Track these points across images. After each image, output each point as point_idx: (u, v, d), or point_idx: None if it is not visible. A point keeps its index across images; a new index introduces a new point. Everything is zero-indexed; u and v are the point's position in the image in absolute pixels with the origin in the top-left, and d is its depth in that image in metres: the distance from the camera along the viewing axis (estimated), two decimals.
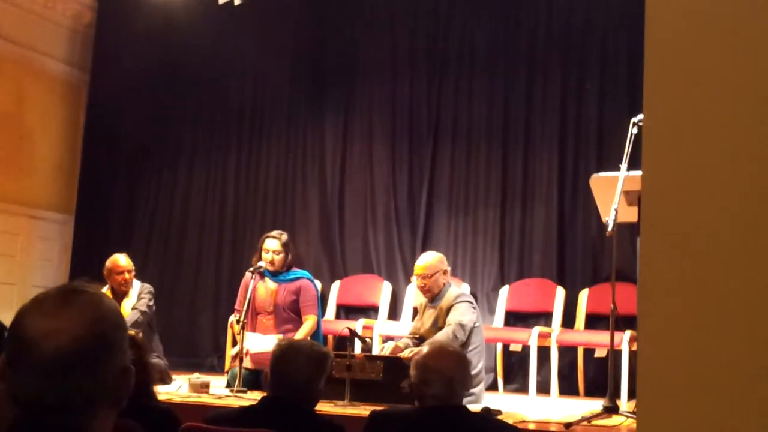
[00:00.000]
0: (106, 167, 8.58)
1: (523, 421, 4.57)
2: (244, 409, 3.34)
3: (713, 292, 1.50)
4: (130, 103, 8.62)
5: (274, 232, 6.23)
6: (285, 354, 3.28)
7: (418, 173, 7.75)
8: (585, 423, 4.54)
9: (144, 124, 8.60)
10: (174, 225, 8.44)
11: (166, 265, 8.28)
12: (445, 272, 5.78)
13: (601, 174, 5.24)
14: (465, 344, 5.47)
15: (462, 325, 5.49)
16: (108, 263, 6.50)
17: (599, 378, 6.58)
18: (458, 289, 5.92)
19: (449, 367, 3.09)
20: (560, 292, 7.03)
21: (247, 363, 5.82)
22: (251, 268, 6.05)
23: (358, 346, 6.05)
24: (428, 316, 5.76)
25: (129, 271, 6.50)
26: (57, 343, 1.46)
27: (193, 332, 8.05)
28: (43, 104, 8.48)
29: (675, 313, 1.52)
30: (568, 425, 4.40)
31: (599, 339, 6.41)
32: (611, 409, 4.68)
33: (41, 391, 1.47)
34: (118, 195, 8.55)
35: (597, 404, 4.99)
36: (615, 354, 5.28)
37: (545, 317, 7.04)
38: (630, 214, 4.78)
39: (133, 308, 6.38)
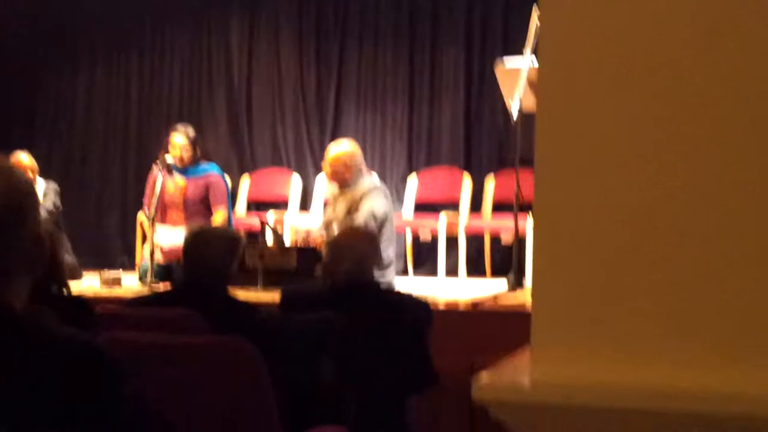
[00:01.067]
0: (3, 70, 8.30)
1: (433, 303, 4.71)
2: (159, 294, 3.39)
3: (606, 173, 1.55)
4: (24, 8, 8.28)
5: (179, 126, 6.15)
6: (197, 238, 3.31)
7: (325, 70, 7.76)
8: (491, 301, 4.72)
9: (39, 28, 8.30)
10: (77, 125, 8.28)
11: (71, 165, 8.15)
12: (347, 166, 5.69)
13: (506, 64, 5.32)
14: (377, 233, 5.54)
15: (374, 215, 5.53)
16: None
17: (506, 263, 6.78)
18: (371, 178, 5.94)
19: (360, 245, 3.17)
20: (467, 180, 7.18)
21: (158, 256, 5.81)
22: (158, 161, 5.97)
23: (269, 238, 6.09)
24: (340, 205, 5.79)
25: (32, 170, 6.39)
26: None
27: (102, 232, 8.00)
28: None
29: (568, 196, 1.58)
30: (475, 305, 4.57)
31: (506, 224, 6.58)
32: (516, 286, 4.87)
33: None
34: (18, 99, 8.31)
35: (503, 283, 5.18)
36: (520, 241, 5.46)
37: (453, 205, 7.19)
38: (535, 104, 4.86)
39: None
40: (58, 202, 6.47)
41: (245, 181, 7.70)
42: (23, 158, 6.41)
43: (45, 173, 6.81)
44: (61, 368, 1.47)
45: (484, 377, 1.65)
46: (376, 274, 3.62)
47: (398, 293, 3.63)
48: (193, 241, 3.30)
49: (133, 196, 7.66)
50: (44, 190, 6.45)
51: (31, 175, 6.38)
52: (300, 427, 2.87)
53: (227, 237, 3.33)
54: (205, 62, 8.04)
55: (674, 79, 1.52)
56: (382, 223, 5.56)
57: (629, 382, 1.51)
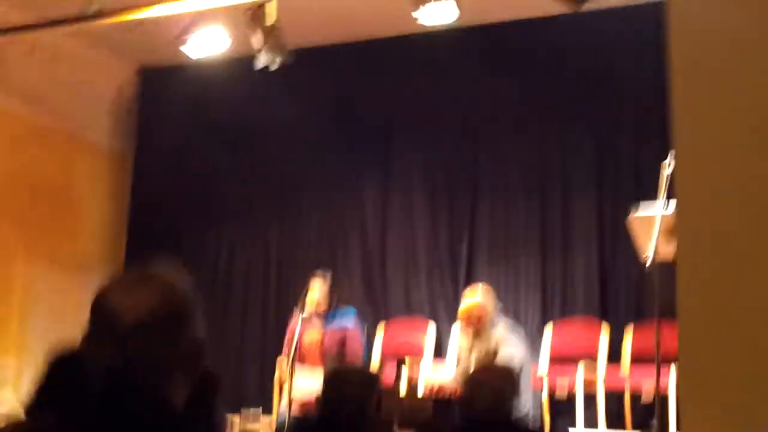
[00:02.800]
0: (152, 228, 8.78)
1: None
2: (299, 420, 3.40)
3: (752, 324, 1.54)
4: (174, 166, 8.85)
5: (318, 272, 6.31)
6: (334, 379, 3.33)
7: (458, 225, 7.89)
8: None
9: (187, 185, 8.83)
10: (219, 280, 8.60)
11: (212, 319, 8.39)
12: (489, 308, 5.73)
13: (639, 214, 5.28)
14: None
15: (514, 358, 5.44)
16: None
17: (647, 417, 6.52)
18: (506, 323, 5.87)
19: (498, 381, 3.14)
20: (604, 331, 7.02)
21: (295, 409, 5.87)
22: (298, 310, 6.08)
23: (403, 387, 6.06)
24: (476, 353, 5.75)
25: None
26: (136, 316, 1.60)
27: (241, 382, 8.13)
28: (90, 173, 8.75)
29: (713, 344, 1.56)
30: None
31: (646, 380, 6.34)
32: None
33: (122, 358, 1.59)
34: (164, 251, 8.70)
35: None
36: (662, 398, 5.25)
37: (590, 357, 7.00)
38: (670, 252, 4.79)
39: None
40: None
41: (380, 332, 7.74)
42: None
43: None
44: None
45: None
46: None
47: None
48: (330, 380, 3.33)
49: (272, 348, 7.80)
50: None
51: None
52: None
53: (364, 378, 3.35)
54: (341, 219, 8.31)
55: None
56: (520, 369, 5.50)
57: None
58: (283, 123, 8.55)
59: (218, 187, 8.75)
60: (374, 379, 3.42)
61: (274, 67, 7.66)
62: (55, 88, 8.33)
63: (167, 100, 8.81)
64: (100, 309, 1.63)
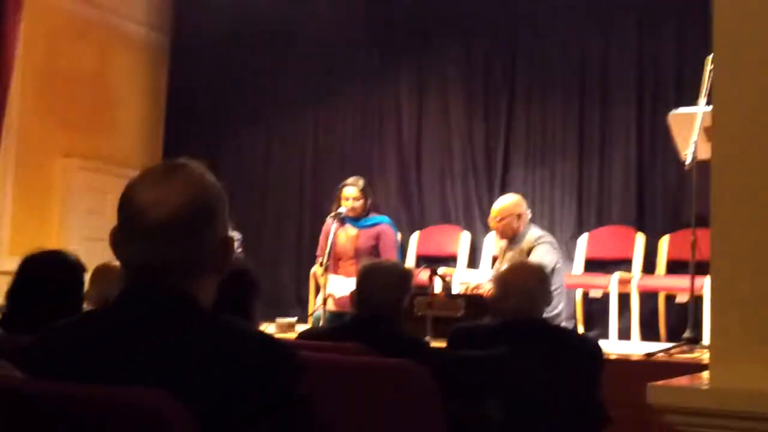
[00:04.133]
0: (188, 126, 8.80)
1: (605, 353, 4.60)
2: (332, 328, 3.47)
3: None
4: (210, 63, 8.81)
5: (350, 179, 6.34)
6: (369, 274, 3.38)
7: (494, 126, 7.82)
8: (664, 354, 4.56)
9: (224, 83, 8.80)
10: (255, 181, 8.63)
11: (249, 221, 8.45)
12: (519, 216, 5.78)
13: (680, 110, 5.21)
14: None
15: (544, 266, 5.49)
16: None
17: (681, 324, 6.51)
18: (539, 230, 5.92)
19: (528, 281, 3.16)
20: (640, 239, 7.01)
21: (331, 306, 5.95)
22: (332, 214, 6.17)
23: (438, 288, 6.12)
24: (509, 259, 5.79)
25: None
26: (163, 211, 1.58)
27: (277, 285, 8.22)
28: (127, 67, 8.73)
29: (745, 249, 1.54)
30: (649, 354, 4.43)
31: (680, 283, 6.35)
32: (692, 341, 4.69)
33: (149, 255, 1.59)
34: (201, 153, 8.70)
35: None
36: (696, 299, 5.25)
37: (625, 264, 7.02)
38: (710, 151, 4.72)
39: None
40: (241, 251, 6.70)
41: (414, 237, 7.79)
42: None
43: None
44: (248, 361, 1.52)
45: (663, 383, 1.62)
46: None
47: (569, 331, 3.58)
48: (364, 276, 3.38)
49: (307, 249, 7.88)
50: None
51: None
52: None
53: (398, 272, 3.38)
54: (376, 119, 8.27)
55: None
56: (551, 275, 5.51)
57: None
58: (319, 22, 8.45)
59: (255, 87, 8.71)
60: (407, 273, 3.44)
61: None
62: None
63: None
64: (127, 205, 1.61)
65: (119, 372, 1.52)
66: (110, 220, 1.68)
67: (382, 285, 3.31)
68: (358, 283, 3.37)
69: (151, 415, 1.37)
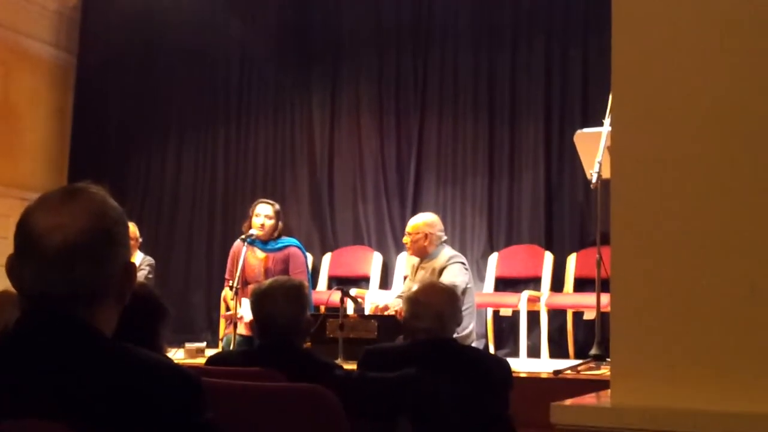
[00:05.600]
0: (95, 148, 8.65)
1: (514, 371, 4.65)
2: (241, 352, 3.42)
3: (681, 248, 1.56)
4: (118, 83, 8.69)
5: (267, 200, 6.31)
6: (261, 299, 3.31)
7: (406, 145, 7.87)
8: (571, 372, 4.63)
9: (132, 104, 8.68)
10: (165, 203, 8.53)
11: (159, 243, 8.33)
12: (426, 235, 5.78)
13: (585, 130, 5.33)
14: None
15: (455, 286, 5.54)
16: None
17: (589, 340, 6.63)
18: (451, 250, 5.97)
19: (439, 302, 3.17)
20: (549, 257, 7.13)
21: (242, 329, 5.88)
22: (242, 236, 6.11)
23: (350, 309, 6.13)
24: (419, 278, 5.82)
25: (134, 239, 6.47)
26: (63, 237, 1.52)
27: (187, 309, 8.10)
28: (31, 87, 8.53)
29: (641, 267, 1.59)
30: (557, 372, 4.50)
31: (588, 301, 6.47)
32: (599, 357, 4.77)
33: (49, 283, 1.53)
34: (108, 175, 8.55)
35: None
36: (603, 315, 5.34)
37: (534, 282, 7.12)
38: None
39: None
40: (151, 276, 6.58)
41: (326, 259, 7.77)
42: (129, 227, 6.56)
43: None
44: (154, 390, 1.48)
45: (566, 402, 1.64)
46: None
47: (479, 350, 3.60)
48: (259, 300, 3.31)
49: (218, 273, 7.78)
50: (140, 263, 6.56)
51: (132, 243, 6.51)
52: None
53: (292, 288, 3.32)
54: (288, 138, 8.25)
55: (753, 131, 1.52)
56: (462, 295, 5.56)
57: (709, 407, 1.49)
58: (230, 43, 8.41)
59: (164, 107, 8.60)
60: (299, 288, 3.36)
61: None
62: None
63: (111, 12, 8.60)
64: (23, 231, 1.55)
65: (16, 404, 1.46)
66: (11, 245, 1.62)
67: (277, 306, 3.24)
68: (253, 311, 3.32)
69: None
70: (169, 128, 8.58)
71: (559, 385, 4.42)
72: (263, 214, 6.14)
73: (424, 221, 5.87)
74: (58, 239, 1.52)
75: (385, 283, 7.57)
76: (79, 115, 8.78)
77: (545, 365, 5.92)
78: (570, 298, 6.89)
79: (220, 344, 6.21)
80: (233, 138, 8.41)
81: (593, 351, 4.86)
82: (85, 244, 1.54)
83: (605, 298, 5.21)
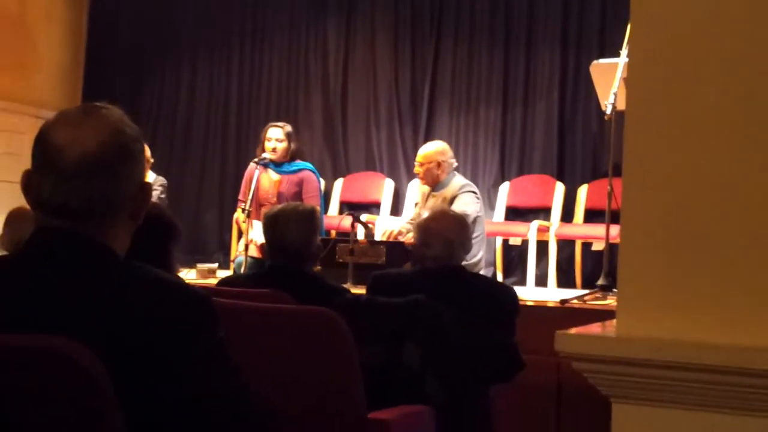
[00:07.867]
0: (109, 67, 8.60)
1: (522, 300, 4.69)
2: (252, 275, 3.46)
3: (694, 180, 1.55)
4: (132, 2, 8.60)
5: (278, 123, 6.30)
6: (273, 223, 3.34)
7: (420, 72, 7.81)
8: (578, 301, 4.66)
9: (146, 24, 8.60)
10: (178, 123, 8.50)
11: (172, 163, 8.35)
12: (439, 164, 5.78)
13: (601, 60, 5.28)
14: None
15: (466, 215, 5.55)
16: None
17: (597, 271, 6.66)
18: (463, 179, 5.97)
19: (449, 230, 3.18)
20: (560, 188, 7.13)
21: (253, 251, 5.93)
22: (255, 159, 6.12)
23: (361, 235, 6.16)
24: (430, 206, 5.83)
25: (147, 161, 6.48)
26: (82, 150, 1.54)
27: (199, 229, 8.16)
28: (46, 6, 8.46)
29: (653, 197, 1.58)
30: (563, 301, 4.54)
31: (597, 232, 6.48)
32: (606, 288, 4.80)
33: (67, 195, 1.55)
34: (122, 94, 8.54)
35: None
36: (611, 246, 5.36)
37: (544, 212, 7.14)
38: None
39: None
40: (164, 196, 6.60)
41: (338, 184, 7.79)
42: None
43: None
44: (165, 309, 1.51)
45: (571, 330, 1.66)
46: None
47: (486, 278, 3.64)
48: (270, 224, 3.34)
49: (231, 194, 7.81)
50: (153, 183, 6.56)
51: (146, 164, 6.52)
52: (383, 406, 2.88)
53: (304, 213, 3.34)
54: (302, 62, 8.18)
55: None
56: (472, 224, 5.57)
57: (714, 340, 1.51)
58: None
59: (178, 29, 8.53)
60: (311, 213, 3.39)
61: None
62: None
63: None
64: (42, 144, 1.57)
65: (28, 319, 1.49)
66: (27, 161, 1.63)
67: (288, 230, 3.28)
68: (265, 234, 3.34)
69: (60, 361, 1.35)
70: (182, 49, 8.51)
71: (565, 314, 4.46)
72: (274, 138, 6.14)
73: (435, 149, 5.87)
74: (78, 152, 1.54)
75: (396, 209, 7.59)
76: (94, 35, 8.71)
77: (552, 294, 5.96)
78: (579, 228, 6.91)
79: (232, 266, 6.26)
80: (247, 59, 8.35)
81: (600, 281, 4.88)
82: (104, 158, 1.56)
83: (615, 230, 5.22)
